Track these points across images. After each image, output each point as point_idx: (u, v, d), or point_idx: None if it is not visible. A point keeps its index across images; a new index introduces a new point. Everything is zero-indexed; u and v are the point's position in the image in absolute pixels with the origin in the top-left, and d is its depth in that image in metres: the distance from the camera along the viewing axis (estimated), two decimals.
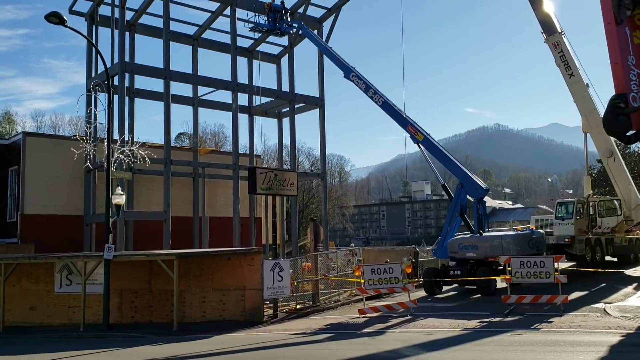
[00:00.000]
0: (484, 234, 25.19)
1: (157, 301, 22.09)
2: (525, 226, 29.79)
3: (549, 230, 28.75)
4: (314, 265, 24.42)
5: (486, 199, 26.58)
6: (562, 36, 27.31)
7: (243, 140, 39.91)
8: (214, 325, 20.02)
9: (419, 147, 27.30)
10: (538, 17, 27.86)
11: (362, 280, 20.01)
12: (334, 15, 37.51)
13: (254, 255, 21.34)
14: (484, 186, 26.08)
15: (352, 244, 47.84)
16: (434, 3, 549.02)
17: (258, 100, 37.27)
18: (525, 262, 18.47)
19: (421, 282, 25.78)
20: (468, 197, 26.07)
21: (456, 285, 25.48)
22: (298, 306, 22.93)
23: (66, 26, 19.68)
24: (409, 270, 20.69)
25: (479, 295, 23.67)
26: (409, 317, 18.78)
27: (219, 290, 21.37)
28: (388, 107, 28.44)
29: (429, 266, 28.53)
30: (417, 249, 31.75)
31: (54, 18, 19.33)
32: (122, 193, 23.66)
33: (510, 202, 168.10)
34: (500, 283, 22.78)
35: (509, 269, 18.76)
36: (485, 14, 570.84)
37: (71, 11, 33.89)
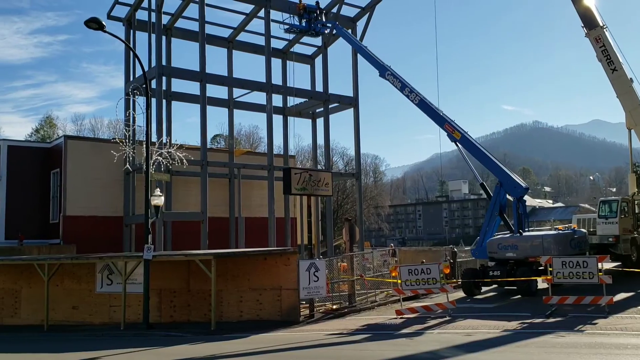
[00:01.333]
0: (524, 234, 24.68)
1: (195, 300, 22.32)
2: (566, 225, 29.05)
3: (591, 229, 28.00)
4: (350, 266, 24.32)
5: (526, 197, 26.04)
6: (604, 30, 26.55)
7: (277, 141, 40.07)
8: (251, 324, 20.12)
9: (457, 145, 26.91)
10: (578, 11, 27.16)
11: (399, 281, 19.81)
12: (368, 14, 37.31)
13: (289, 255, 21.35)
14: (523, 185, 25.57)
15: (392, 244, 47.47)
16: (468, 3, 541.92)
17: (292, 101, 37.36)
18: (567, 262, 18.00)
19: (459, 282, 25.43)
20: (507, 196, 25.59)
21: (495, 285, 25.05)
22: (334, 306, 22.86)
23: (105, 31, 20.04)
24: (447, 271, 20.39)
25: (519, 296, 23.22)
26: (447, 318, 18.52)
27: (256, 290, 21.46)
28: (424, 106, 28.13)
29: (467, 267, 28.15)
30: (455, 249, 31.31)
31: (94, 24, 19.70)
32: (161, 194, 23.98)
33: (550, 201, 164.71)
34: (541, 284, 22.29)
35: (550, 269, 18.30)
36: (521, 10, 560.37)
37: (109, 16, 34.58)
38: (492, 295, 24.59)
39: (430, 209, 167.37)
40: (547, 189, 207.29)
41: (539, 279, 22.27)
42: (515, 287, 23.48)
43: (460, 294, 24.55)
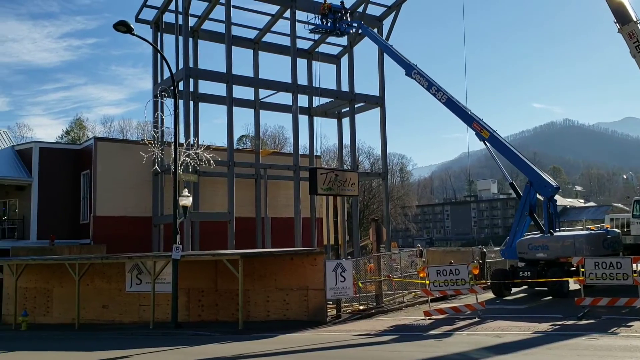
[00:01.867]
0: (555, 234, 24.23)
1: (222, 300, 22.44)
2: (599, 225, 28.46)
3: (625, 229, 27.35)
4: (377, 266, 24.17)
5: (556, 197, 25.58)
6: (638, 25, 25.89)
7: (303, 141, 40.10)
8: (278, 324, 20.13)
9: (485, 144, 26.57)
10: (611, 7, 26.51)
11: (427, 282, 19.61)
12: (394, 12, 37.09)
13: (316, 255, 21.32)
14: (554, 184, 25.13)
15: (419, 245, 47.12)
16: (496, 4, 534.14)
17: (318, 101, 37.34)
18: (600, 263, 17.58)
19: (489, 283, 25.10)
20: (537, 195, 25.17)
21: (526, 287, 24.66)
22: (361, 307, 22.75)
23: (133, 34, 20.25)
24: (476, 272, 20.15)
25: (550, 297, 22.81)
26: (476, 319, 18.26)
27: (282, 290, 21.48)
28: (452, 104, 27.83)
29: (497, 267, 27.75)
30: (484, 250, 30.90)
31: (122, 27, 19.92)
32: (189, 195, 24.17)
33: (582, 201, 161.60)
34: (573, 285, 21.87)
35: (582, 270, 17.91)
36: (552, 9, 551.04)
37: (137, 20, 35.04)
38: (522, 296, 24.20)
39: (458, 209, 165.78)
40: (579, 188, 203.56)
41: (571, 280, 21.84)
42: (546, 288, 23.06)
43: (490, 295, 24.22)
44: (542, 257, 23.56)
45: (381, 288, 23.63)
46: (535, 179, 25.01)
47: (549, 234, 24.10)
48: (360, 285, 23.21)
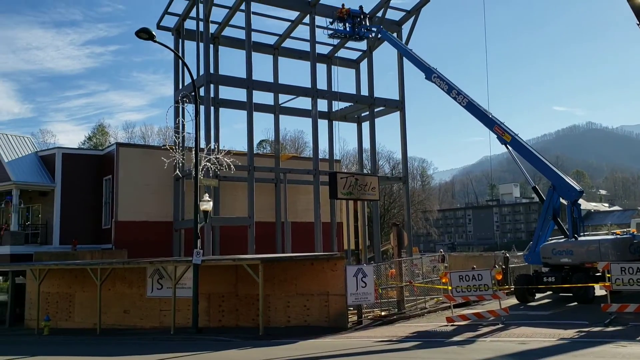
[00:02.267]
0: (580, 238, 23.83)
1: (243, 305, 22.43)
2: (625, 230, 27.92)
3: None
4: (399, 272, 23.98)
5: (580, 201, 25.17)
6: None
7: (322, 145, 40.10)
8: (298, 330, 20.04)
9: (507, 148, 26.29)
10: (633, 8, 26.07)
11: (450, 287, 19.38)
12: (413, 17, 36.88)
13: (336, 260, 21.20)
14: (577, 188, 24.74)
15: (441, 250, 46.71)
16: (518, 3, 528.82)
17: (337, 105, 37.26)
18: (626, 268, 17.22)
19: (512, 289, 24.77)
20: (561, 199, 24.79)
21: (550, 292, 24.27)
22: (383, 313, 22.57)
23: (155, 41, 20.39)
24: (499, 277, 19.88)
25: (575, 303, 22.41)
26: (500, 325, 17.98)
27: (303, 295, 21.39)
28: (473, 108, 27.58)
29: (520, 272, 27.39)
30: (507, 255, 30.50)
31: (144, 34, 20.08)
32: (209, 199, 24.23)
33: (606, 205, 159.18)
34: (599, 290, 21.45)
35: (609, 275, 17.56)
36: (574, 10, 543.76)
37: (159, 27, 35.36)
38: (547, 302, 23.81)
39: (480, 214, 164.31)
40: (603, 192, 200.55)
41: (596, 286, 21.46)
42: (571, 294, 22.68)
43: (513, 300, 23.88)
44: (566, 262, 23.18)
45: (403, 294, 23.43)
46: (558, 183, 24.65)
47: (574, 239, 23.72)
48: (381, 291, 23.03)
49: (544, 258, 23.96)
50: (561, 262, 23.29)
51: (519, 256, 32.20)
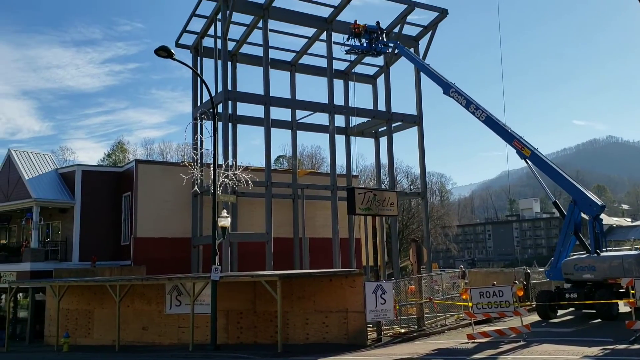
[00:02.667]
0: (602, 254, 23.41)
1: (261, 322, 22.31)
2: None
3: None
4: (418, 288, 23.71)
5: (602, 216, 24.78)
6: None
7: (340, 160, 40.07)
8: (317, 347, 19.85)
9: (527, 162, 26.04)
10: None
11: (470, 304, 19.11)
12: (430, 32, 36.92)
13: (355, 277, 21.03)
14: (599, 202, 24.36)
15: (462, 266, 46.25)
16: (530, 1, 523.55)
17: (354, 120, 37.28)
18: None
19: (534, 305, 24.36)
20: (582, 214, 24.43)
21: (572, 309, 23.82)
22: (402, 330, 22.30)
23: (174, 59, 20.59)
24: (521, 293, 19.60)
25: (598, 320, 21.97)
26: (521, 342, 17.66)
27: (321, 312, 21.22)
28: (491, 122, 27.41)
29: (542, 289, 26.97)
30: (529, 271, 30.07)
31: (163, 52, 20.29)
32: (227, 215, 24.26)
33: (629, 219, 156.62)
34: (623, 307, 20.98)
35: (633, 291, 17.20)
36: (585, 13, 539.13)
37: (177, 44, 35.84)
38: (569, 319, 23.37)
39: (500, 229, 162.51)
40: (625, 206, 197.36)
41: (620, 302, 21.01)
42: (594, 311, 22.25)
43: (535, 317, 23.48)
44: (589, 278, 22.78)
45: (422, 310, 23.15)
46: (579, 198, 24.31)
47: (596, 254, 23.33)
48: (400, 307, 22.78)
49: (566, 274, 23.57)
50: (583, 278, 22.89)
51: (540, 272, 31.75)
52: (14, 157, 34.73)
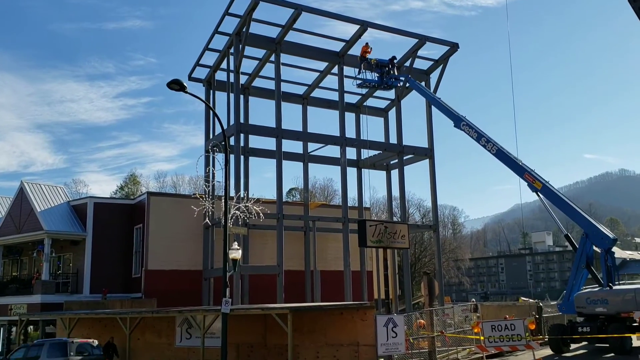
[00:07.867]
0: (615, 287, 23.19)
1: (272, 355, 22.18)
2: None
3: None
4: (430, 322, 23.54)
5: (615, 249, 24.66)
6: None
7: (352, 193, 40.10)
8: None
9: (538, 196, 26.05)
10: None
11: (482, 338, 18.95)
12: (441, 66, 37.38)
13: (366, 310, 20.94)
14: (611, 236, 24.25)
15: (473, 299, 45.77)
16: (538, 33, 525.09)
17: (366, 153, 37.53)
18: None
19: (546, 339, 24.06)
20: (594, 247, 24.29)
21: (585, 342, 23.50)
22: None
23: (186, 92, 20.92)
24: (533, 327, 19.38)
25: (612, 354, 21.66)
26: None
27: (332, 346, 21.08)
28: (502, 156, 27.52)
29: (554, 322, 26.66)
30: (541, 304, 29.76)
31: (176, 85, 20.59)
32: (239, 248, 24.31)
33: None
34: (636, 341, 20.71)
35: None
36: (594, 45, 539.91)
37: (190, 78, 36.52)
38: (582, 352, 23.05)
39: (513, 262, 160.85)
40: (638, 240, 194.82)
41: (634, 336, 20.73)
42: (607, 345, 21.94)
43: (548, 351, 23.18)
44: (601, 311, 22.55)
45: (434, 344, 22.93)
46: (591, 231, 24.21)
47: (608, 288, 23.12)
48: (412, 341, 22.58)
49: (579, 307, 23.35)
50: (596, 312, 22.65)
51: (553, 305, 31.40)
52: (26, 189, 35.06)
